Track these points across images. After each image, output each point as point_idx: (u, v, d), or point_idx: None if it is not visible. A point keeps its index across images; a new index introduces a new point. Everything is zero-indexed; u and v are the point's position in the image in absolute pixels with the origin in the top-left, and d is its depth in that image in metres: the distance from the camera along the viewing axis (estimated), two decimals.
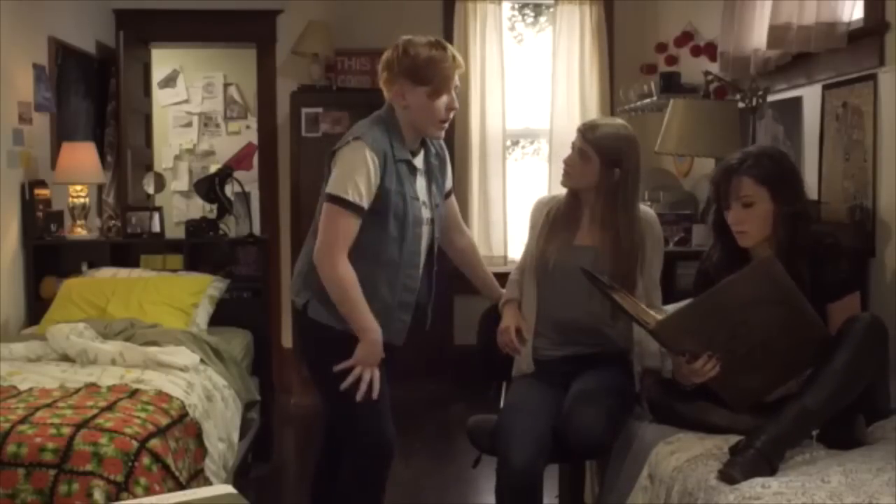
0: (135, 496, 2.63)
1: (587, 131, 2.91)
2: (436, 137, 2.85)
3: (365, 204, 2.66)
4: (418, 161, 2.82)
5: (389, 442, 2.83)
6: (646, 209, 3.01)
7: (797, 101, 3.72)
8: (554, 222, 2.98)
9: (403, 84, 2.72)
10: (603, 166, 2.86)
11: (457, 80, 2.76)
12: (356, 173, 2.65)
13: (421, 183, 2.82)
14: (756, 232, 2.56)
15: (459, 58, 2.77)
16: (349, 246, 2.67)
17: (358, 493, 2.86)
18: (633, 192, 2.91)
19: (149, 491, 2.69)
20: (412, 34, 2.81)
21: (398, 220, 2.72)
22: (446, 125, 2.79)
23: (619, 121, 3.03)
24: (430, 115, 2.74)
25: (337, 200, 2.65)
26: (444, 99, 2.73)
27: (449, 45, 2.76)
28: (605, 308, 2.83)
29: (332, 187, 2.68)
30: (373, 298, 2.73)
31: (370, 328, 2.70)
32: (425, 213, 2.81)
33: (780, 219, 2.53)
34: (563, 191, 3.01)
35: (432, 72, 2.70)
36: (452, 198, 3.07)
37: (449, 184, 3.00)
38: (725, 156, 3.87)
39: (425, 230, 2.82)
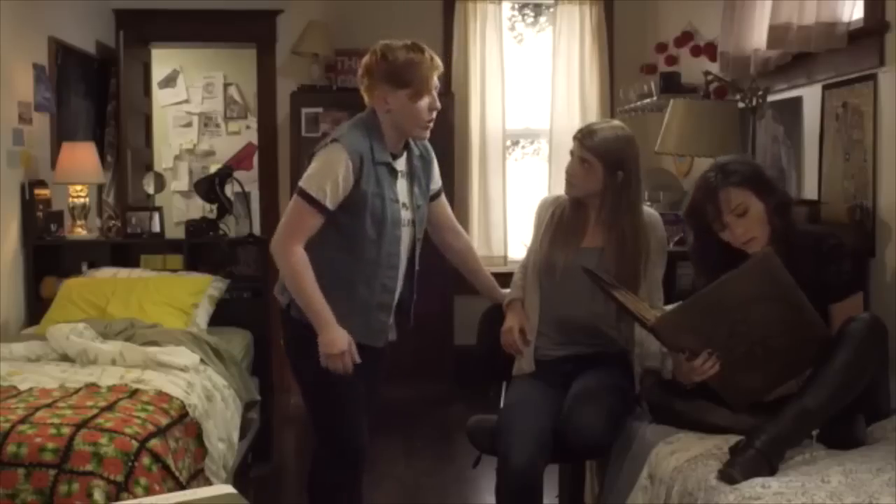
0: (135, 496, 2.63)
1: (585, 138, 2.90)
2: (421, 138, 2.87)
3: (329, 204, 2.69)
4: (400, 163, 2.84)
5: (358, 448, 2.87)
6: (650, 211, 3.01)
7: (797, 101, 3.72)
8: (559, 226, 2.97)
9: (385, 89, 2.75)
10: (605, 171, 2.86)
11: (436, 81, 2.78)
12: (327, 174, 2.69)
13: (402, 185, 2.84)
14: (761, 234, 2.56)
15: (437, 59, 2.79)
16: (306, 239, 2.71)
17: (321, 493, 2.90)
18: (636, 192, 2.91)
19: (149, 491, 2.69)
20: (411, 35, 2.86)
21: (375, 221, 2.74)
22: (431, 125, 2.81)
23: (615, 122, 3.02)
24: (414, 117, 2.76)
25: (303, 194, 2.71)
26: (425, 100, 2.75)
27: (426, 47, 2.78)
28: (608, 308, 2.84)
29: (302, 181, 2.74)
30: (350, 298, 2.76)
31: (325, 319, 2.71)
32: (405, 215, 2.83)
33: (772, 212, 2.55)
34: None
35: (412, 74, 2.72)
36: (443, 198, 3.08)
37: (435, 185, 3.01)
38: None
39: (405, 231, 2.83)
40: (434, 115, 2.79)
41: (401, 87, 2.73)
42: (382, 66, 2.74)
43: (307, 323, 2.77)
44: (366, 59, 2.80)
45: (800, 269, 2.45)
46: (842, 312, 2.50)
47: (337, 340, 2.72)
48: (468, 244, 3.20)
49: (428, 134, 2.84)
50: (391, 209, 2.77)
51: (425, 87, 2.74)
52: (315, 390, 2.85)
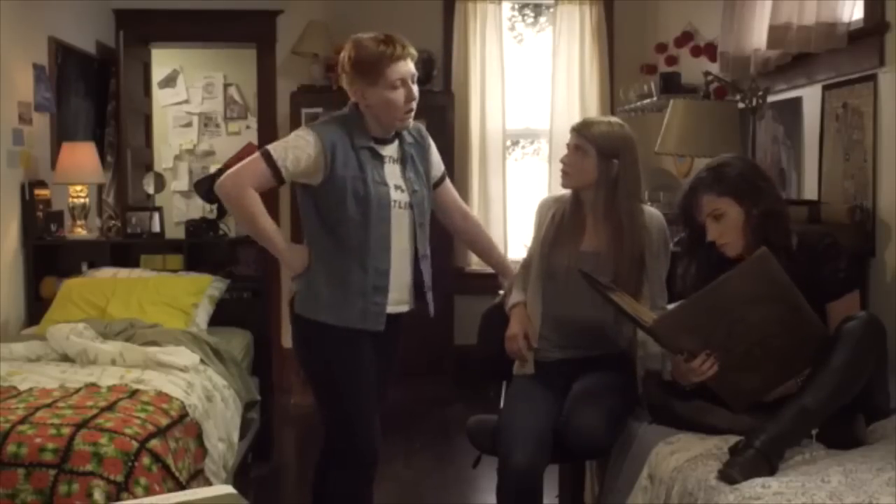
0: (135, 496, 2.63)
1: (582, 128, 2.92)
2: (404, 128, 2.87)
3: (284, 171, 2.71)
4: (389, 149, 2.85)
5: (371, 445, 2.85)
6: (652, 210, 3.00)
7: (797, 102, 3.72)
8: (558, 228, 2.97)
9: (360, 84, 2.77)
10: (600, 158, 2.86)
11: (411, 69, 2.78)
12: (294, 146, 2.74)
13: (392, 170, 2.84)
14: (735, 240, 2.57)
15: (410, 48, 2.78)
16: (254, 187, 2.72)
17: (338, 494, 2.88)
18: (632, 186, 2.90)
19: (149, 491, 2.69)
20: (412, 34, 2.87)
21: (360, 203, 2.74)
22: (411, 115, 2.81)
23: (613, 118, 3.03)
24: (390, 109, 2.77)
25: (265, 153, 2.73)
26: (399, 92, 2.76)
27: (398, 38, 2.78)
28: (609, 311, 2.83)
29: (269, 145, 2.77)
30: (346, 284, 2.76)
31: (277, 245, 2.80)
32: (398, 197, 2.82)
33: (751, 221, 2.55)
34: (566, 190, 3.00)
35: (381, 68, 2.74)
36: (448, 183, 3.08)
37: (437, 171, 3.02)
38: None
39: (399, 213, 2.82)
40: (412, 104, 2.80)
41: (373, 82, 2.75)
42: (354, 62, 2.77)
43: (311, 319, 2.78)
44: (341, 54, 2.83)
45: (795, 268, 2.45)
46: (838, 311, 2.50)
47: (295, 261, 2.80)
48: (477, 224, 3.21)
49: (410, 122, 2.84)
50: (376, 191, 2.76)
51: (397, 79, 2.75)
52: (324, 387, 2.85)
